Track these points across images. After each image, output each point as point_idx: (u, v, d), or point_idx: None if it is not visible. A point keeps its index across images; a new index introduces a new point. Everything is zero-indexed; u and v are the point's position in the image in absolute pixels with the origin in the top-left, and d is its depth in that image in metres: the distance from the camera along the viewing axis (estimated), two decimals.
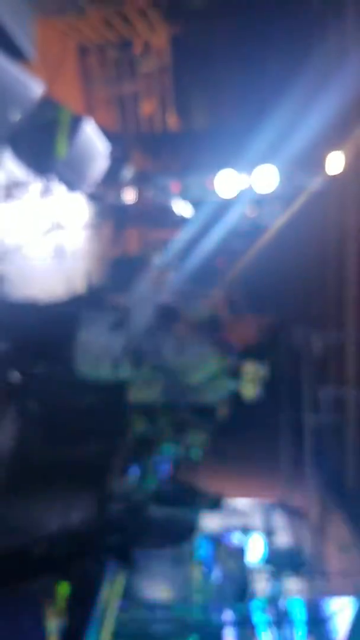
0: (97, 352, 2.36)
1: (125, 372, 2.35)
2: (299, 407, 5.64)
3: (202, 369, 2.31)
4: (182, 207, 7.01)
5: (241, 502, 4.79)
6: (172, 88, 8.32)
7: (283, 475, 5.94)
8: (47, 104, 4.36)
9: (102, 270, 6.95)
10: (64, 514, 2.73)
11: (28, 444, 3.34)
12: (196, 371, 2.30)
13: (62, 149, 4.07)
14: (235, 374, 2.36)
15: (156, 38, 7.54)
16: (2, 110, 3.05)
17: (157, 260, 6.95)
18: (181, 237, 8.88)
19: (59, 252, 5.02)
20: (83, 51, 7.14)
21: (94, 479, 3.18)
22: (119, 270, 7.38)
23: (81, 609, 1.84)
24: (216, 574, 3.56)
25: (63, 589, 2.06)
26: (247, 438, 4.37)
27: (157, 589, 3.26)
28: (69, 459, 3.28)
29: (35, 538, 2.12)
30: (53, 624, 2.16)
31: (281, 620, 3.52)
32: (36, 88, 3.15)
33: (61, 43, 6.34)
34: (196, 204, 6.86)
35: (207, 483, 5.36)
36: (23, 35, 3.18)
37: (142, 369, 2.34)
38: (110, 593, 2.23)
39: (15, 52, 3.23)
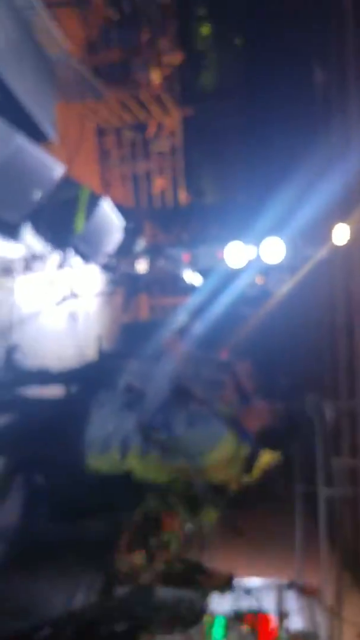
0: (105, 437, 2.29)
1: (133, 460, 2.28)
2: (313, 479, 5.43)
3: (216, 451, 2.23)
4: (191, 276, 7.16)
5: (253, 582, 4.52)
6: (183, 166, 8.75)
7: (296, 552, 5.64)
8: (67, 182, 4.60)
9: (113, 335, 7.02)
10: (68, 596, 2.60)
11: (33, 519, 3.23)
12: (210, 453, 2.22)
13: (79, 224, 4.25)
14: (250, 463, 2.29)
15: (169, 120, 8.00)
16: (25, 190, 3.21)
17: (169, 325, 7.01)
18: (191, 304, 9.02)
19: (72, 319, 5.09)
20: (101, 132, 7.60)
21: (100, 557, 3.05)
22: (130, 335, 7.46)
23: None
24: None
25: None
26: (258, 511, 4.19)
27: None
28: (75, 536, 3.17)
29: (39, 621, 2.00)
30: None
31: None
32: (57, 168, 3.33)
33: (80, 125, 6.76)
34: (205, 273, 7.01)
35: (217, 561, 5.11)
36: (46, 119, 3.41)
37: (152, 451, 2.26)
38: None
39: (39, 135, 3.45)
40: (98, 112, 6.98)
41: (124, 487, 2.53)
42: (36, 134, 3.36)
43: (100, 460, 2.29)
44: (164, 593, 3.00)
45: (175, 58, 7.58)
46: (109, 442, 2.27)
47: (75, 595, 2.63)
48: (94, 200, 4.47)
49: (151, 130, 8.20)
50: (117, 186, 7.95)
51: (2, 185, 2.83)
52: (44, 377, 3.73)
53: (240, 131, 11.67)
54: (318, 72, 6.82)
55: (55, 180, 3.37)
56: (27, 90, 2.99)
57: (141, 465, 2.29)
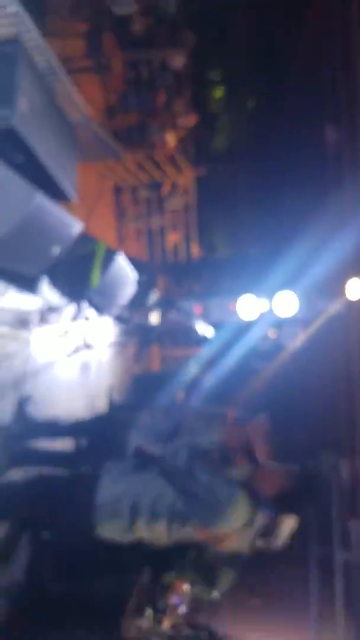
0: (114, 502, 2.19)
1: (142, 527, 2.19)
2: (328, 540, 5.20)
3: (230, 516, 2.15)
4: (203, 328, 7.19)
5: None
6: (196, 222, 8.98)
7: (312, 616, 5.32)
8: (84, 238, 4.73)
9: (125, 386, 6.98)
10: None
11: (40, 579, 3.12)
12: (224, 517, 2.14)
13: (95, 278, 4.32)
14: (267, 530, 2.19)
15: (183, 179, 8.29)
16: (45, 246, 3.30)
17: (181, 377, 6.97)
18: (203, 356, 8.98)
19: (85, 370, 5.09)
20: (118, 190, 7.88)
21: (107, 619, 2.90)
22: (142, 386, 7.40)
23: None
24: None
25: None
26: (273, 575, 4.00)
27: None
28: (82, 597, 3.04)
29: None
30: None
31: None
32: (75, 226, 3.42)
33: (99, 183, 7.02)
34: (217, 326, 7.03)
35: (229, 625, 4.81)
36: (67, 179, 3.54)
37: (161, 518, 2.18)
38: None
39: (59, 194, 3.57)
40: (116, 171, 7.26)
41: (132, 548, 2.44)
42: (57, 193, 3.48)
43: (108, 527, 2.22)
44: None
45: (189, 120, 7.95)
46: (118, 508, 2.19)
47: None
48: (109, 255, 4.57)
49: (166, 188, 8.49)
50: (132, 241, 8.16)
51: (23, 242, 2.90)
52: (54, 429, 3.69)
53: (252, 189, 12.03)
54: (329, 131, 7.04)
55: (73, 236, 3.47)
56: (48, 152, 3.12)
57: (150, 533, 2.21)
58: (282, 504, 2.25)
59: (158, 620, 3.29)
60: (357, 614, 4.97)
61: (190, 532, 2.17)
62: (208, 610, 5.23)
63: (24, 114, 2.67)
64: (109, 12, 6.84)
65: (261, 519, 2.21)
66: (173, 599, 3.41)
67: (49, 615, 2.94)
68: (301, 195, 9.04)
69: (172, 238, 8.80)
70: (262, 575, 3.77)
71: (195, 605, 4.96)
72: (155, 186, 8.21)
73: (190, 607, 3.62)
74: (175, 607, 3.43)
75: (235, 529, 2.14)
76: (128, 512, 2.18)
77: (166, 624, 3.34)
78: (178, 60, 7.52)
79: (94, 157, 6.09)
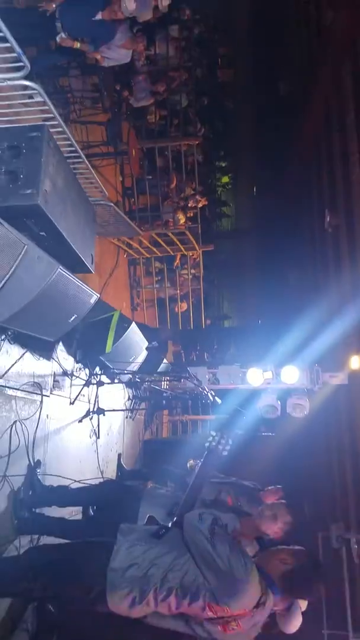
0: (128, 578, 2.04)
1: (154, 602, 2.02)
2: (344, 623, 4.77)
3: (246, 595, 1.96)
4: (212, 395, 7.06)
5: None
6: (205, 293, 9.14)
7: None
8: (100, 306, 4.79)
9: (134, 452, 6.77)
10: None
11: None
12: (240, 596, 1.94)
13: (109, 345, 4.33)
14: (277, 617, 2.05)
15: (192, 253, 8.52)
16: (63, 315, 3.34)
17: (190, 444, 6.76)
18: (212, 421, 8.77)
19: (96, 435, 4.96)
20: (132, 262, 8.10)
21: None
22: (151, 452, 7.18)
23: None
24: None
25: None
26: None
27: None
28: None
29: None
30: None
31: None
32: (92, 296, 3.47)
33: (115, 256, 7.23)
34: (225, 393, 6.90)
35: None
36: (85, 253, 3.62)
37: (176, 591, 2.01)
38: None
39: (78, 266, 3.63)
40: (131, 246, 7.50)
41: (139, 625, 2.24)
42: (76, 264, 3.56)
43: (118, 596, 2.04)
44: None
45: (199, 202, 8.31)
46: (131, 576, 2.03)
47: None
48: (123, 323, 4.60)
49: (177, 261, 8.72)
50: (144, 309, 8.26)
51: (42, 310, 2.94)
52: (63, 497, 3.54)
53: (257, 265, 12.34)
54: (328, 215, 7.25)
55: (90, 305, 3.50)
56: (68, 228, 3.21)
57: (160, 606, 2.03)
58: (289, 586, 2.10)
59: None
60: None
61: (201, 607, 1.99)
62: None
63: (47, 193, 2.77)
64: (128, 104, 7.32)
65: (271, 600, 2.05)
66: None
67: None
68: (303, 273, 9.20)
69: (182, 306, 8.91)
70: None
71: None
72: (168, 259, 8.44)
73: None
74: None
75: (248, 608, 1.96)
76: (140, 580, 2.02)
77: None
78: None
79: (112, 233, 6.34)
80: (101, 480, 4.52)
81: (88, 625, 2.84)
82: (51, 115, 2.89)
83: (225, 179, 11.46)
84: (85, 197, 3.64)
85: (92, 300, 3.41)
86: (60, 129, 3.01)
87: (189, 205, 8.03)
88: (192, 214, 8.15)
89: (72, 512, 3.71)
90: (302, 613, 2.21)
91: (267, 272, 11.60)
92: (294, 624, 2.16)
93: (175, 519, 2.38)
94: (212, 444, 2.68)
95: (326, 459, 7.92)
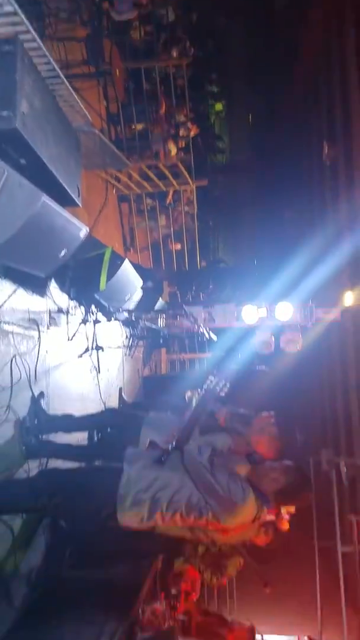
0: (136, 495, 2.28)
1: (159, 518, 2.27)
2: (331, 535, 5.19)
3: (243, 516, 2.24)
4: (208, 332, 7.22)
5: (274, 638, 4.24)
6: (199, 231, 9.05)
7: (316, 608, 5.30)
8: (91, 242, 4.81)
9: (134, 388, 7.03)
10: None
11: (58, 564, 3.16)
12: (238, 517, 2.23)
13: (103, 282, 4.39)
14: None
15: (186, 189, 8.33)
16: (53, 250, 3.38)
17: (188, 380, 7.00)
18: (208, 359, 9.01)
19: (95, 371, 5.14)
20: (122, 199, 7.94)
21: (122, 602, 2.93)
22: (150, 388, 7.44)
23: None
24: None
25: None
26: (279, 566, 3.99)
27: None
28: (99, 581, 3.07)
29: None
30: None
31: None
32: (81, 229, 3.48)
33: (103, 192, 7.09)
34: (221, 331, 7.07)
35: (239, 613, 4.81)
36: (71, 185, 3.55)
37: (178, 511, 2.26)
38: None
39: (64, 199, 3.58)
40: (120, 180, 7.33)
41: (147, 537, 2.49)
42: (62, 198, 3.50)
43: (129, 515, 2.29)
44: None
45: (191, 130, 8.02)
46: (140, 499, 2.27)
47: None
48: (116, 260, 4.64)
49: (169, 198, 8.58)
50: (137, 249, 8.24)
51: (30, 243, 2.95)
52: (68, 423, 3.74)
53: (253, 200, 12.13)
54: (326, 147, 7.10)
55: (79, 239, 3.53)
56: (51, 156, 3.08)
57: (167, 522, 2.29)
58: (281, 499, 2.34)
59: (171, 606, 3.31)
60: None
61: (204, 524, 2.26)
62: (219, 597, 5.24)
63: (25, 116, 2.62)
64: (108, 18, 6.73)
65: (265, 513, 2.33)
66: (185, 586, 3.44)
67: (66, 599, 2.98)
68: (300, 207, 9.11)
69: (176, 246, 8.88)
70: (272, 568, 3.77)
71: (206, 592, 4.98)
72: (159, 195, 8.29)
73: (201, 593, 3.63)
74: (188, 593, 3.46)
75: (245, 524, 2.25)
76: (149, 504, 2.26)
77: (179, 609, 3.36)
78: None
79: (98, 164, 6.05)
80: (104, 409, 4.74)
81: (99, 537, 3.10)
82: (24, 28, 2.56)
83: (218, 106, 10.97)
84: (68, 123, 3.49)
85: (82, 234, 3.43)
86: (35, 45, 2.68)
87: (180, 134, 7.71)
88: (183, 144, 7.85)
89: (78, 438, 3.92)
90: (293, 524, 2.49)
91: (263, 209, 11.47)
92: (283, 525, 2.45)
93: (174, 444, 2.62)
94: (211, 385, 2.92)
95: (318, 393, 8.24)
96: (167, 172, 7.39)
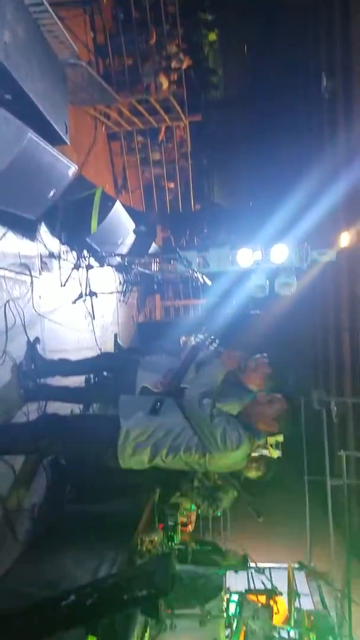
0: (136, 441, 2.38)
1: (160, 461, 2.38)
2: (321, 470, 5.43)
3: (238, 456, 2.35)
4: (202, 278, 7.19)
5: (265, 565, 4.54)
6: (193, 172, 8.77)
7: (307, 539, 5.65)
8: (80, 182, 4.67)
9: (128, 334, 7.08)
10: (93, 570, 2.66)
11: (59, 498, 3.30)
12: (233, 456, 2.35)
13: (94, 225, 4.30)
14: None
15: (178, 125, 7.98)
16: (41, 189, 3.28)
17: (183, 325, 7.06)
18: (203, 304, 9.06)
19: (90, 316, 5.15)
20: (112, 137, 7.62)
21: (122, 533, 3.10)
22: (145, 334, 7.51)
23: None
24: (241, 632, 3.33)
25: None
26: (271, 500, 4.22)
27: None
28: (99, 515, 3.23)
29: (67, 591, 2.06)
30: None
31: None
32: (70, 167, 3.37)
33: (92, 130, 6.78)
34: (215, 276, 7.04)
35: (232, 543, 5.11)
36: (58, 120, 3.41)
37: (178, 454, 2.37)
38: None
39: (51, 137, 3.44)
40: (109, 116, 7.02)
41: (145, 472, 2.59)
42: (49, 135, 3.35)
43: (129, 461, 2.38)
44: (182, 570, 3.03)
45: (183, 62, 7.60)
46: (141, 446, 2.36)
47: (99, 570, 2.69)
48: (107, 202, 4.52)
49: (161, 135, 8.26)
50: (128, 191, 8.01)
51: (17, 182, 2.87)
52: (65, 367, 3.79)
53: (248, 138, 11.71)
54: (324, 79, 6.79)
55: (68, 178, 3.42)
56: (37, 90, 2.92)
57: (167, 463, 2.39)
58: (270, 427, 2.43)
59: (168, 536, 3.51)
60: (346, 533, 5.25)
61: (203, 461, 2.38)
62: (213, 528, 5.56)
63: (8, 46, 2.48)
64: None
65: (256, 446, 2.44)
66: (181, 517, 3.62)
67: (68, 532, 3.13)
68: (297, 144, 8.82)
69: (169, 187, 8.64)
70: (264, 501, 3.98)
71: (202, 523, 5.26)
72: (151, 133, 7.97)
73: (196, 525, 3.84)
74: (183, 524, 3.66)
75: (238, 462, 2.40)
76: (150, 450, 2.37)
77: (175, 539, 3.57)
78: None
79: (86, 100, 5.81)
80: (100, 354, 4.78)
81: (99, 475, 3.23)
82: None
83: (212, 36, 10.29)
84: (53, 56, 3.31)
85: (70, 173, 3.33)
86: None
87: (172, 66, 7.29)
88: (175, 77, 7.44)
89: (75, 382, 3.99)
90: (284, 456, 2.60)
91: (259, 148, 11.10)
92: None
93: (168, 386, 2.69)
94: (200, 342, 3.00)
95: (311, 334, 8.35)
96: (158, 107, 7.06)
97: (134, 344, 7.05)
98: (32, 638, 1.87)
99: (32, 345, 3.64)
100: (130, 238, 5.44)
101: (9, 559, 2.88)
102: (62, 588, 2.11)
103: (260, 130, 11.15)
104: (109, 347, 5.81)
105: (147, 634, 2.35)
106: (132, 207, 6.90)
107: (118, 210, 4.76)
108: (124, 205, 4.99)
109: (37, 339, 3.74)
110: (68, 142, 3.44)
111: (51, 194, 3.31)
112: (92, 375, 4.06)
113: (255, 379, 3.00)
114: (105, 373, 3.90)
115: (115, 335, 5.99)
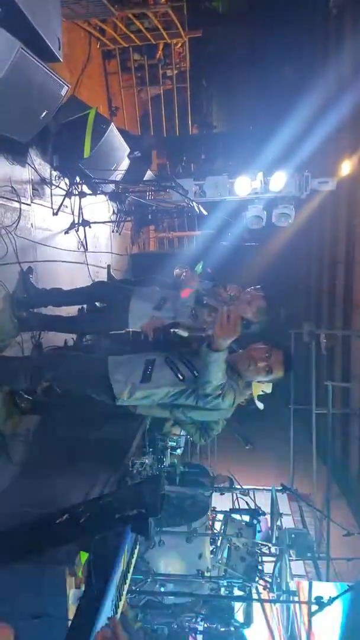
0: (125, 378, 2.38)
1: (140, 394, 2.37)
2: (308, 399, 5.62)
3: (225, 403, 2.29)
4: (199, 206, 6.98)
5: (250, 486, 4.82)
6: (192, 93, 8.26)
7: (291, 464, 5.96)
8: (73, 103, 4.39)
9: (122, 265, 6.99)
10: (86, 491, 2.78)
11: (53, 425, 3.40)
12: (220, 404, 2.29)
13: (87, 148, 4.09)
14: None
15: (177, 42, 7.47)
16: (32, 110, 3.07)
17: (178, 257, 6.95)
18: (199, 235, 8.87)
19: (83, 247, 5.05)
20: (107, 54, 7.11)
21: (114, 458, 3.23)
22: (139, 265, 7.41)
23: (100, 578, 1.87)
24: (226, 550, 3.60)
25: (84, 559, 2.10)
26: (258, 427, 4.38)
27: (171, 562, 3.30)
28: (92, 440, 3.34)
29: (61, 510, 2.16)
30: (73, 594, 2.20)
31: (286, 598, 3.53)
32: (62, 85, 3.15)
33: (86, 46, 6.33)
34: (212, 205, 6.83)
35: (219, 466, 5.39)
36: (51, 35, 3.14)
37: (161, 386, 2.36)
38: (128, 564, 2.27)
39: (43, 53, 3.19)
40: (104, 32, 6.51)
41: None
42: (41, 53, 3.10)
43: (127, 402, 2.39)
44: (171, 491, 3.20)
45: None
46: (138, 389, 2.35)
47: (92, 491, 2.83)
48: (100, 124, 4.27)
49: (159, 53, 7.69)
50: (124, 112, 7.56)
51: (8, 102, 2.68)
52: (58, 296, 3.76)
53: (250, 58, 10.93)
54: None
55: (61, 97, 3.21)
56: (27, 2, 2.71)
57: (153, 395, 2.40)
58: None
59: (158, 459, 3.67)
60: (329, 458, 5.54)
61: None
62: (200, 452, 5.84)
63: None
64: None
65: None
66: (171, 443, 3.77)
67: (62, 455, 3.25)
68: (301, 64, 8.28)
69: (167, 109, 8.16)
70: (252, 429, 4.12)
71: (190, 447, 5.51)
72: (148, 50, 7.41)
73: (185, 449, 4.00)
74: (173, 449, 3.82)
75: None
76: (149, 392, 2.36)
77: (165, 462, 3.74)
78: None
79: (80, 14, 5.44)
80: (93, 284, 4.73)
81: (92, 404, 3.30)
82: None
83: None
84: None
85: (63, 92, 3.11)
86: None
87: None
88: None
89: (68, 312, 3.97)
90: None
91: (262, 67, 10.40)
92: None
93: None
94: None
95: (305, 268, 8.31)
96: (156, 22, 6.52)
97: (127, 275, 6.98)
98: (26, 554, 1.98)
99: (24, 275, 3.59)
100: (125, 164, 5.21)
101: (4, 481, 3.00)
102: (56, 508, 2.21)
103: (263, 50, 10.40)
104: (103, 278, 5.75)
105: (136, 550, 2.51)
106: (127, 131, 6.54)
107: (112, 133, 4.51)
108: (118, 129, 4.72)
109: (29, 269, 3.68)
110: (61, 59, 3.18)
111: (43, 115, 3.11)
112: (85, 305, 4.03)
113: (249, 312, 2.99)
114: (98, 304, 3.87)
115: (109, 267, 5.91)
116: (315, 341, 5.60)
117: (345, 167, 5.76)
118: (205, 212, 6.84)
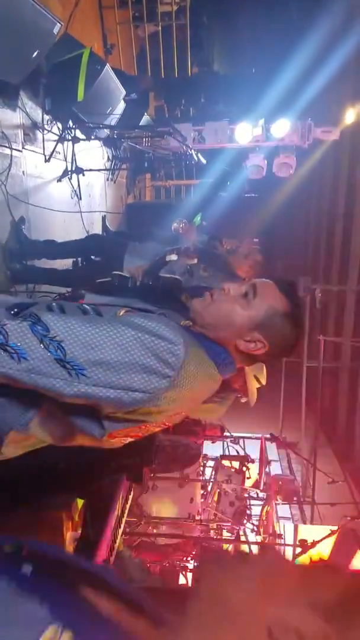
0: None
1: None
2: (298, 354, 5.71)
3: None
4: (197, 154, 6.78)
5: (240, 433, 4.99)
6: (192, 31, 7.79)
7: (281, 414, 6.14)
8: (66, 41, 4.14)
9: (117, 215, 6.86)
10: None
11: None
12: None
13: (81, 90, 3.90)
14: None
15: None
16: (23, 50, 2.91)
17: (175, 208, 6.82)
18: (197, 184, 8.64)
19: (77, 196, 4.92)
20: None
21: None
22: (134, 216, 7.26)
23: (96, 523, 1.97)
24: (216, 495, 3.77)
25: (80, 504, 2.19)
26: None
27: (163, 506, 3.47)
28: None
29: (57, 458, 2.23)
30: (70, 536, 2.31)
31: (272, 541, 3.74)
32: (55, 22, 2.96)
33: None
34: (212, 152, 6.62)
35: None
36: None
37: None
38: (123, 508, 2.38)
39: None
40: None
41: None
42: None
43: None
44: (164, 439, 3.30)
45: None
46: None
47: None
48: (95, 64, 4.05)
49: None
50: (120, 52, 7.15)
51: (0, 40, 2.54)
52: (52, 249, 3.71)
53: None
54: None
55: (53, 37, 3.03)
56: None
57: None
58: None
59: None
60: (318, 410, 5.70)
61: None
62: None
63: None
64: None
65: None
66: None
67: None
68: (306, 4, 7.80)
69: (165, 50, 7.72)
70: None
71: None
72: None
73: None
74: None
75: None
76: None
77: None
78: None
79: None
80: (87, 236, 4.66)
81: None
82: None
83: None
84: None
85: (55, 30, 2.94)
86: None
87: None
88: None
89: (62, 264, 3.93)
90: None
91: (268, 4, 9.78)
92: None
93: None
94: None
95: (304, 221, 8.20)
96: None
97: (122, 226, 6.86)
98: (23, 501, 2.06)
99: (17, 225, 3.52)
100: (120, 107, 5.00)
101: None
102: (54, 454, 2.28)
103: None
104: (97, 230, 5.66)
105: (130, 495, 2.62)
106: (122, 71, 6.22)
107: (107, 74, 4.30)
108: (113, 69, 4.49)
109: (22, 219, 3.60)
110: None
111: (34, 54, 2.94)
112: (79, 258, 3.99)
113: (245, 265, 2.99)
114: (92, 257, 3.83)
115: (103, 217, 5.80)
116: (311, 296, 5.62)
117: (349, 116, 5.56)
118: (204, 161, 6.64)
